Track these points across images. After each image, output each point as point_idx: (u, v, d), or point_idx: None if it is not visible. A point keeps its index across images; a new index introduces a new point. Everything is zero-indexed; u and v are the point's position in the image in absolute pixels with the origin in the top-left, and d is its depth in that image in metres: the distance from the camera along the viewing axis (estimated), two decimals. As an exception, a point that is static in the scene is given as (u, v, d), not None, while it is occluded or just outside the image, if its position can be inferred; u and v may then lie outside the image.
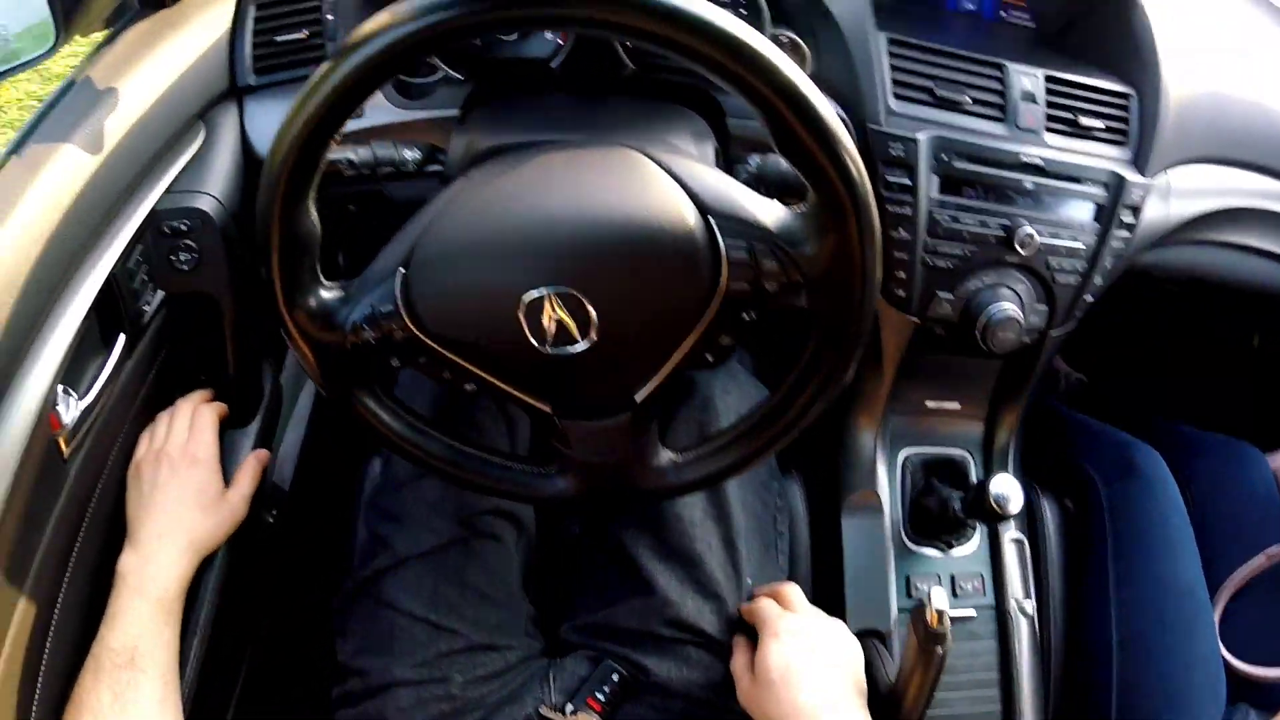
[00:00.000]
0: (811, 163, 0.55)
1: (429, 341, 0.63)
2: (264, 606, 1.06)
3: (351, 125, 0.76)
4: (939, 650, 0.72)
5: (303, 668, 0.98)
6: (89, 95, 0.78)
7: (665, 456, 0.70)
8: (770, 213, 0.61)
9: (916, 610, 0.73)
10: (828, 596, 0.96)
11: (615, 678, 0.82)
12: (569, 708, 0.79)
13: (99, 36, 0.87)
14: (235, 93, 0.89)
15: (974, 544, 1.01)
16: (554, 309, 0.60)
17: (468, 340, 0.63)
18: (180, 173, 0.83)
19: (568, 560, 0.94)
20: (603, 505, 0.73)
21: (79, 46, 0.88)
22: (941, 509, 0.96)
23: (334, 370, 0.66)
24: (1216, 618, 1.05)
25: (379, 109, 0.87)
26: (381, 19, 0.50)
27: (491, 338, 0.62)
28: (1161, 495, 1.07)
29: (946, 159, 0.88)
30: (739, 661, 0.80)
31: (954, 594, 0.98)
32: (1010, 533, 1.02)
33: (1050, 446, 1.19)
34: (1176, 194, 0.98)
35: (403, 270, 0.62)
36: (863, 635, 0.93)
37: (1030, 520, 1.07)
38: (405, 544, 0.83)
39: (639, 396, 0.65)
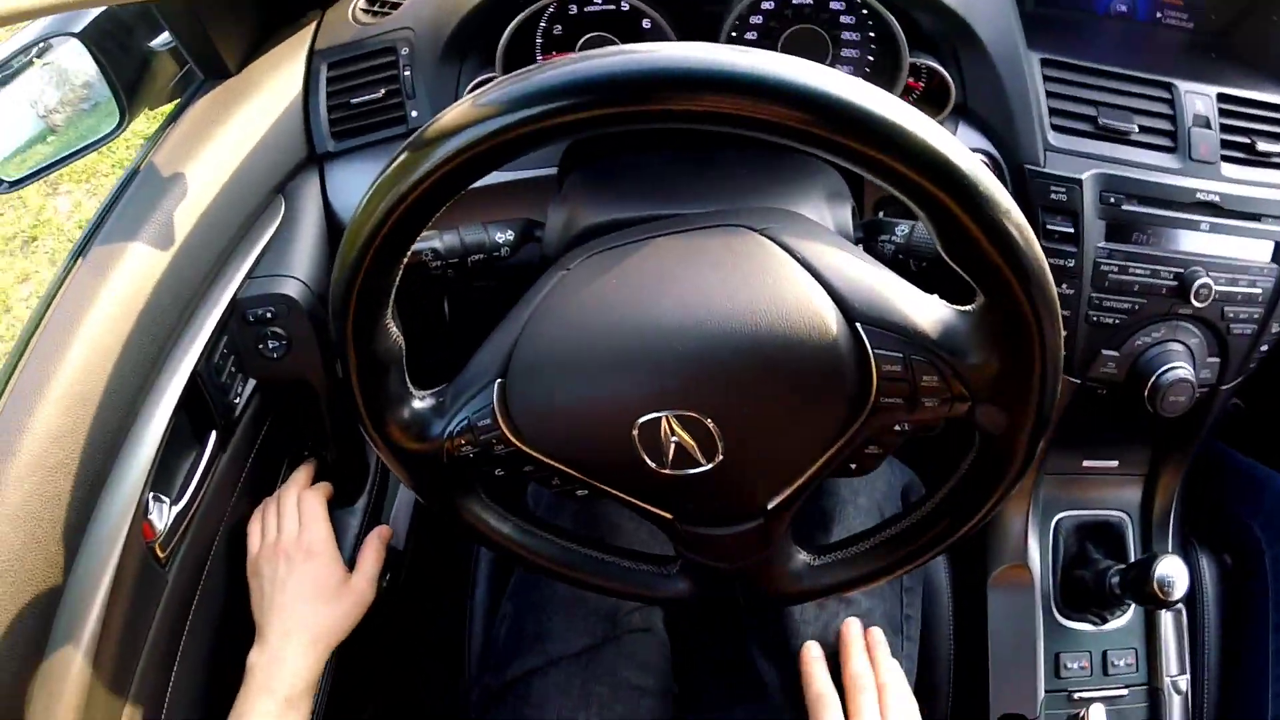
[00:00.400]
0: (988, 270, 0.45)
1: (534, 453, 0.57)
2: (381, 679, 1.03)
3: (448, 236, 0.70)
4: None
5: None
6: (156, 183, 0.72)
7: (799, 560, 0.63)
8: (929, 315, 0.51)
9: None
10: (970, 677, 0.89)
11: None
12: None
13: (168, 108, 0.82)
14: (315, 160, 0.82)
15: (1129, 616, 0.92)
16: (673, 431, 0.52)
17: (579, 459, 0.57)
18: (261, 253, 0.77)
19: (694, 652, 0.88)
20: (727, 609, 0.66)
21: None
22: (1097, 583, 0.88)
23: (432, 480, 0.61)
24: None
25: None
26: (463, 111, 0.42)
27: (605, 457, 0.56)
28: None
29: (1114, 201, 0.78)
30: None
31: (1105, 672, 0.90)
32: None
33: (1208, 492, 1.08)
34: None
35: (500, 380, 0.56)
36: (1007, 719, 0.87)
37: (1189, 591, 0.98)
38: (557, 644, 0.78)
39: (770, 505, 0.57)
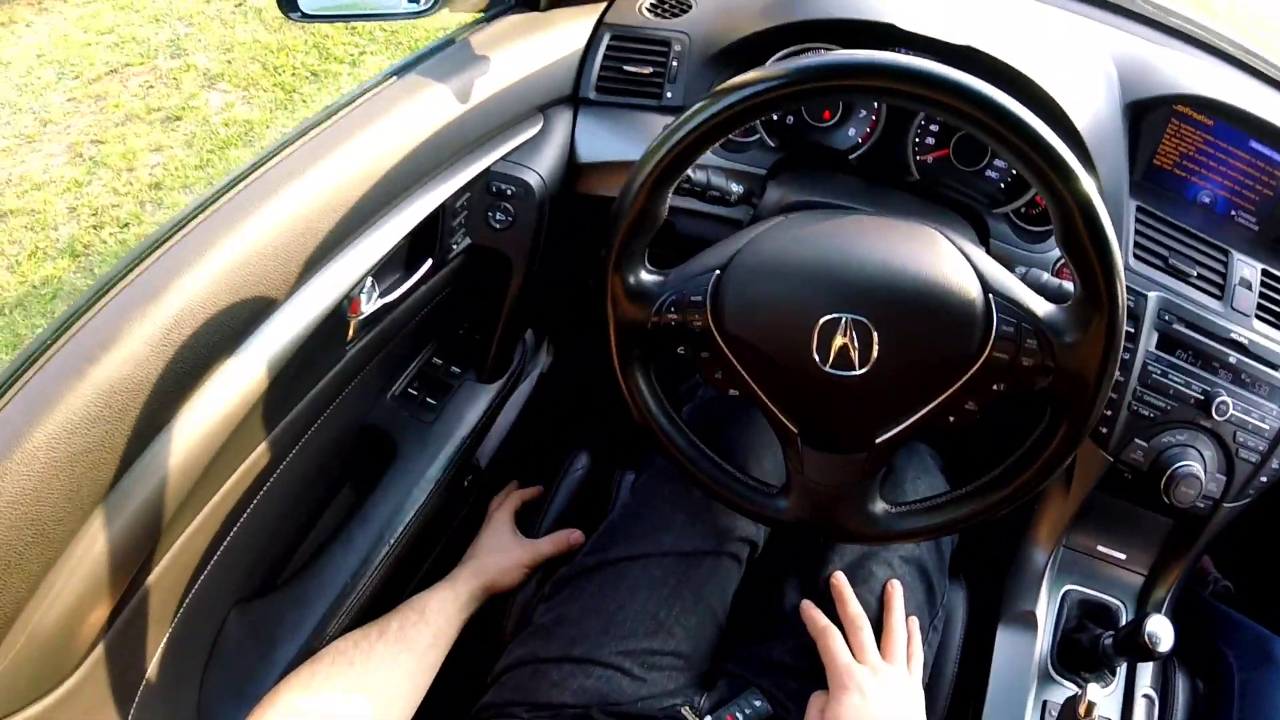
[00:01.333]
0: (1087, 262, 0.65)
1: (720, 339, 0.73)
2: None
3: (699, 173, 0.91)
4: None
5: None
6: (464, 56, 0.93)
7: (881, 505, 0.79)
8: (1041, 304, 0.72)
9: (1070, 701, 0.79)
10: (968, 701, 1.02)
11: (758, 703, 0.88)
12: (709, 718, 0.86)
13: (465, 19, 1.04)
14: (575, 101, 1.05)
15: (1110, 689, 1.04)
16: (844, 333, 0.70)
17: (757, 344, 0.73)
18: (516, 148, 0.97)
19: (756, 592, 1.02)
20: (813, 534, 0.81)
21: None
22: (1091, 645, 1.01)
23: (627, 343, 0.77)
24: None
25: None
26: (754, 75, 0.65)
27: (778, 346, 0.72)
28: None
29: (1168, 319, 0.98)
30: (812, 711, 0.85)
31: None
32: (1144, 688, 1.06)
33: (1192, 630, 1.22)
34: None
35: (718, 272, 0.74)
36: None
37: (1163, 686, 1.10)
38: (673, 538, 0.92)
39: (879, 439, 0.74)
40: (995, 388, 0.73)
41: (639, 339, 0.77)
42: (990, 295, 0.71)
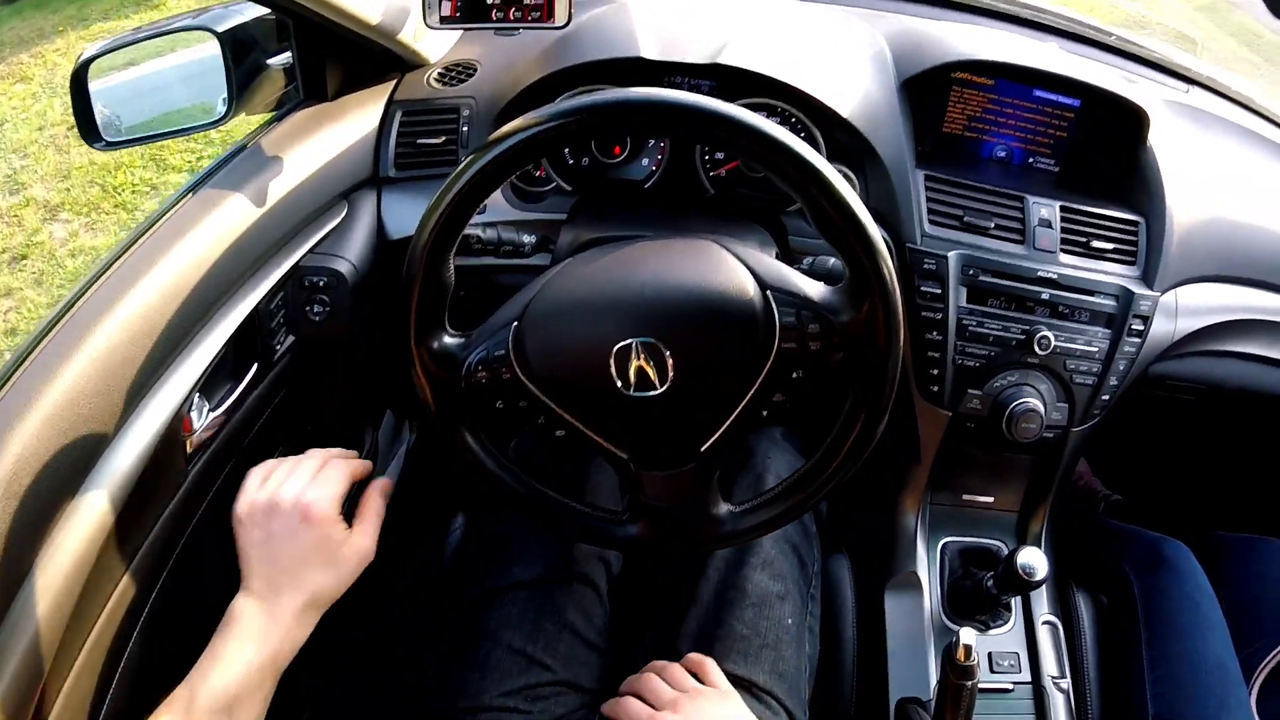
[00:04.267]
0: (844, 241, 0.72)
1: (531, 386, 0.79)
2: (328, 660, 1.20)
3: (479, 219, 0.97)
4: (968, 684, 0.85)
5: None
6: (258, 159, 0.97)
7: (724, 507, 0.85)
8: (815, 288, 0.79)
9: (947, 648, 0.86)
10: (871, 666, 1.10)
11: None
12: None
13: (259, 119, 1.08)
14: (376, 181, 1.09)
15: (1009, 626, 1.13)
16: (638, 357, 0.76)
17: (564, 383, 0.79)
18: (323, 238, 1.01)
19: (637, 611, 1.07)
20: (667, 551, 0.85)
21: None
22: (976, 588, 1.10)
23: (446, 407, 0.82)
24: (1253, 700, 1.16)
25: (498, 209, 1.08)
26: (525, 120, 0.70)
27: (585, 381, 0.78)
28: (1190, 582, 1.19)
29: (973, 273, 1.06)
30: None
31: (991, 669, 1.10)
32: (1043, 615, 1.14)
33: (1089, 552, 1.32)
34: (1184, 310, 1.15)
35: (516, 323, 0.79)
36: (905, 702, 1.06)
37: (1065, 609, 1.19)
38: (518, 569, 0.96)
39: (703, 448, 0.80)
40: (795, 375, 0.79)
41: (456, 402, 0.82)
42: (768, 291, 0.78)
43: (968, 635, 0.85)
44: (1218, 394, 1.24)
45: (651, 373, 0.76)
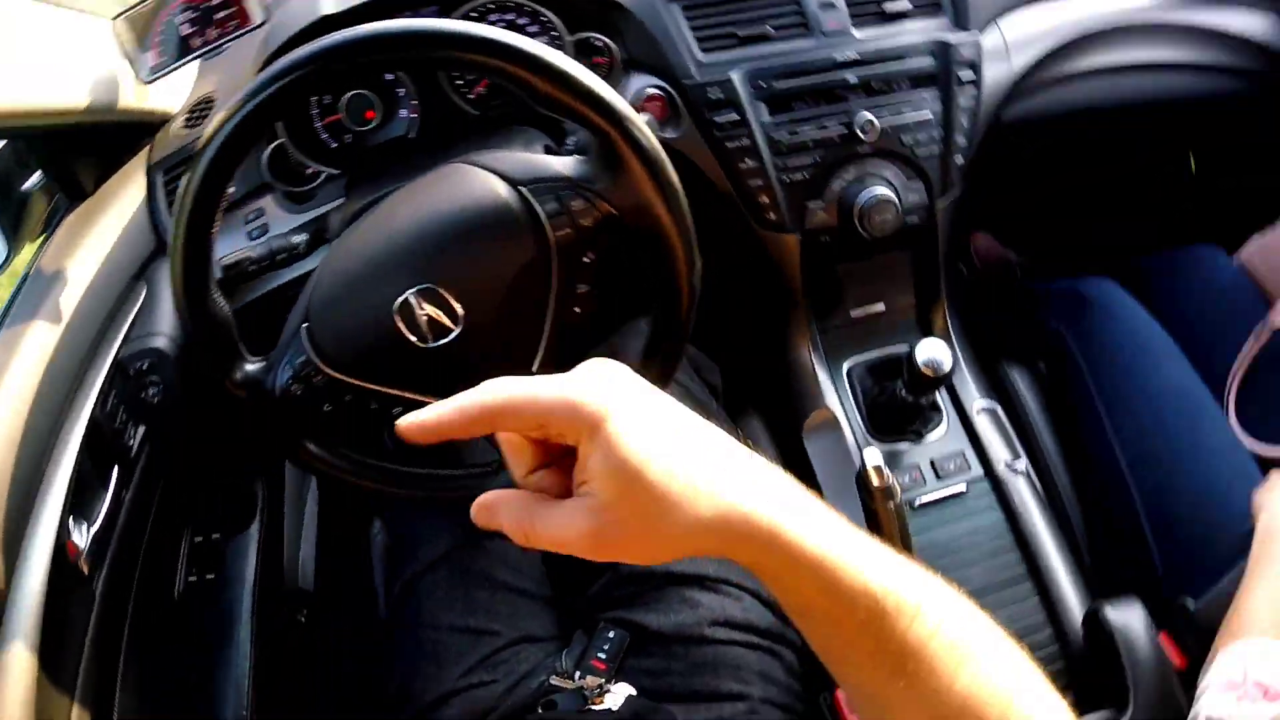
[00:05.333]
0: (563, 105, 0.67)
1: (343, 377, 0.76)
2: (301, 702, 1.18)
3: (259, 242, 0.93)
4: (891, 504, 0.81)
5: None
6: (43, 280, 0.96)
7: None
8: (566, 164, 0.74)
9: (858, 476, 0.81)
10: None
11: (612, 635, 0.90)
12: (578, 674, 0.88)
13: (31, 247, 1.06)
14: (163, 249, 1.06)
15: (945, 426, 1.07)
16: (421, 307, 0.73)
17: (370, 361, 0.75)
18: (132, 324, 0.99)
19: None
20: None
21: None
22: (891, 401, 1.04)
23: (279, 427, 0.79)
24: (1231, 410, 1.09)
25: (278, 220, 1.03)
26: (214, 123, 0.66)
27: (386, 351, 0.75)
28: (1122, 314, 1.12)
29: (764, 85, 1.00)
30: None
31: (938, 476, 1.04)
32: (976, 404, 1.08)
33: (1014, 320, 1.25)
34: (1014, 47, 1.08)
35: (305, 324, 0.76)
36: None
37: (1001, 391, 1.13)
38: (426, 549, 0.94)
39: (535, 367, 0.77)
40: (586, 260, 0.75)
41: (284, 422, 0.79)
42: (520, 188, 0.73)
43: (872, 456, 0.81)
44: (1082, 119, 1.16)
45: (442, 317, 0.73)
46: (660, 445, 0.44)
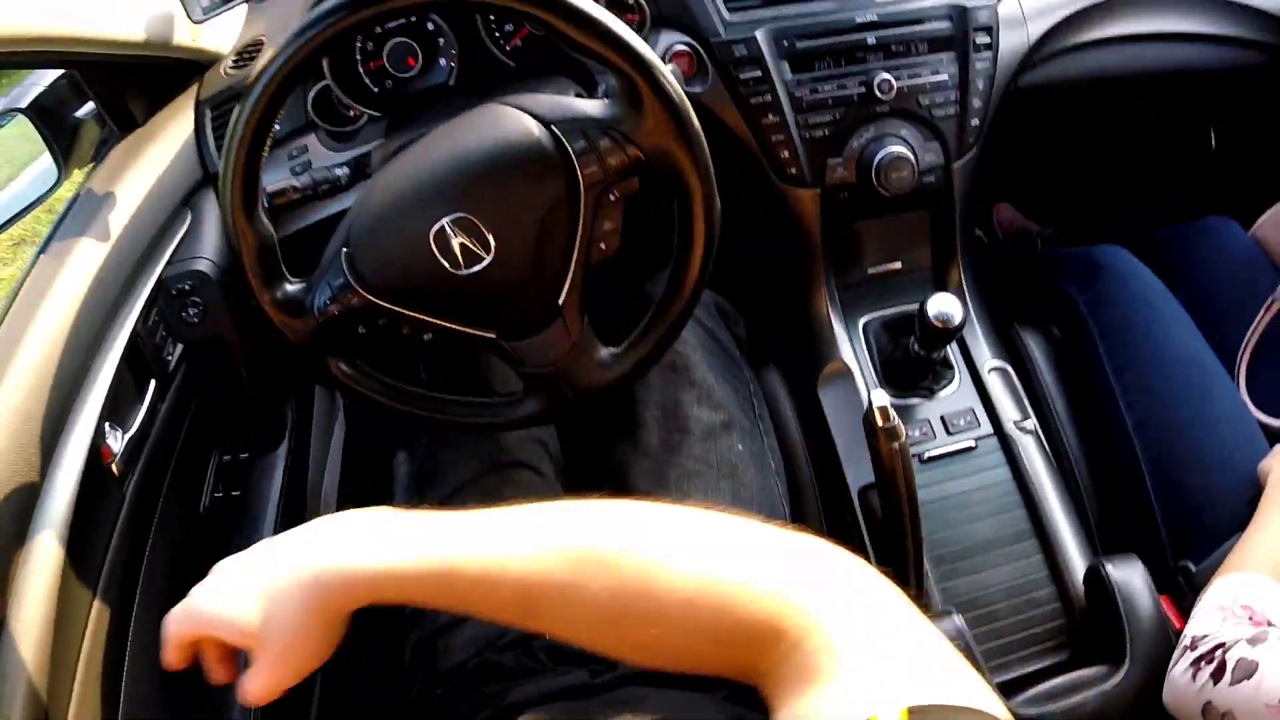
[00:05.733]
0: (589, 48, 0.71)
1: (379, 301, 0.80)
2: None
3: (302, 174, 0.97)
4: (895, 445, 0.83)
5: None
6: (92, 201, 1.00)
7: (604, 353, 0.84)
8: (595, 106, 0.78)
9: (864, 418, 0.84)
10: (823, 461, 1.07)
11: None
12: None
13: (81, 172, 1.11)
14: (209, 179, 1.11)
15: (956, 383, 1.09)
16: (455, 235, 0.77)
17: (405, 287, 0.79)
18: (177, 247, 1.04)
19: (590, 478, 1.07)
20: (573, 410, 0.86)
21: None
22: (905, 356, 1.06)
23: (315, 346, 0.83)
24: (1241, 381, 1.11)
25: (320, 157, 1.08)
26: (267, 56, 0.71)
27: (420, 277, 0.79)
28: (1135, 281, 1.14)
29: (787, 44, 1.03)
30: None
31: (948, 432, 1.06)
32: (988, 363, 1.10)
33: (1030, 286, 1.27)
34: (1030, 14, 1.10)
35: (345, 249, 0.81)
36: (866, 490, 1.03)
37: (1014, 353, 1.15)
38: (453, 474, 0.97)
39: (560, 300, 0.80)
40: (612, 198, 0.79)
41: (319, 342, 0.83)
42: (551, 126, 0.77)
43: (879, 397, 0.83)
44: (1100, 87, 1.18)
45: (474, 245, 0.77)
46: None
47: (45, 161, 1.08)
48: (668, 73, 0.73)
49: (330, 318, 0.81)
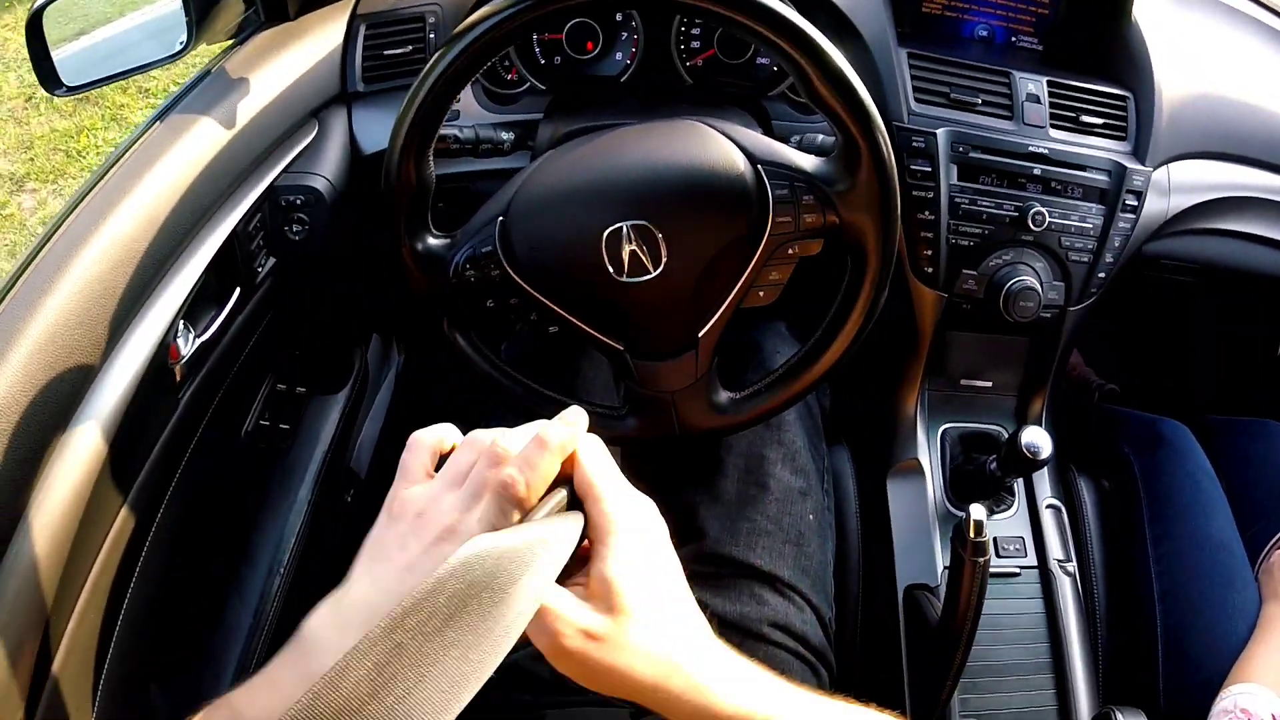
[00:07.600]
0: (834, 110, 0.72)
1: (521, 281, 0.78)
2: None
3: (466, 126, 0.96)
4: (980, 560, 0.85)
5: None
6: (224, 83, 0.96)
7: (724, 395, 0.85)
8: (807, 160, 0.79)
9: (957, 526, 0.87)
10: (877, 556, 1.10)
11: None
12: None
13: (219, 47, 1.07)
14: (345, 97, 1.09)
15: (1014, 510, 1.14)
16: (630, 241, 0.76)
17: (555, 275, 0.78)
18: (296, 157, 1.01)
19: None
20: (668, 441, 0.86)
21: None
22: (979, 471, 1.10)
23: (437, 308, 0.82)
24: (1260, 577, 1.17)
25: (471, 111, 1.07)
26: (484, 10, 0.69)
27: (575, 271, 0.77)
28: (1190, 461, 1.21)
29: (962, 150, 1.06)
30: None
31: (997, 554, 1.10)
32: (1046, 498, 1.15)
33: (1088, 438, 1.33)
34: (1176, 188, 1.15)
35: (501, 218, 0.79)
36: (912, 589, 1.07)
37: (1068, 494, 1.20)
38: None
39: (701, 333, 0.80)
40: (790, 252, 0.79)
41: (446, 304, 0.81)
42: (758, 166, 0.77)
43: (978, 511, 0.85)
44: (1210, 273, 1.24)
45: (644, 256, 0.76)
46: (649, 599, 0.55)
47: (175, 19, 1.00)
48: (890, 150, 0.74)
49: (466, 283, 0.79)
